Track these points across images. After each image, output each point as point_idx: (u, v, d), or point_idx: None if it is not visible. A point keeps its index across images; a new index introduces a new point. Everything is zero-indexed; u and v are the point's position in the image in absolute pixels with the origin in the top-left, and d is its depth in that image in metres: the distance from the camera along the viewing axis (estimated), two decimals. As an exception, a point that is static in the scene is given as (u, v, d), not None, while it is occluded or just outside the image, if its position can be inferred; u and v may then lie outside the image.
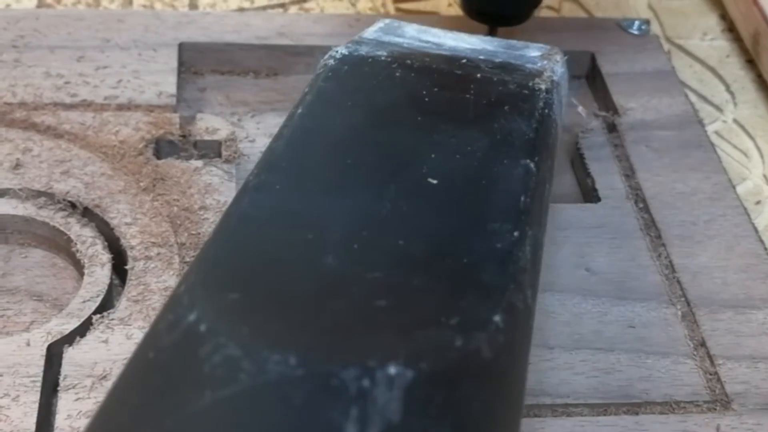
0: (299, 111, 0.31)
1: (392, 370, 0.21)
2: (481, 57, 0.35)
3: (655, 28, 0.52)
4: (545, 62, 0.36)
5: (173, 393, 0.21)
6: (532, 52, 0.37)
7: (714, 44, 0.53)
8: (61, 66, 0.43)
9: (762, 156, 0.46)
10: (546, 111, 0.33)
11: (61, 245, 0.37)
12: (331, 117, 0.31)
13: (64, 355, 0.32)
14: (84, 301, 0.34)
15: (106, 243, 0.36)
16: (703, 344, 0.36)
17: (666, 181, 0.42)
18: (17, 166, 0.38)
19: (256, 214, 0.27)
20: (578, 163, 0.43)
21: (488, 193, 0.28)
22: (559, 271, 0.38)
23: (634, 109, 0.45)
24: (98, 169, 0.39)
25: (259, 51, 0.46)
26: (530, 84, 0.34)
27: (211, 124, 0.42)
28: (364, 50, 0.34)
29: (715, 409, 0.34)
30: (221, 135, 0.41)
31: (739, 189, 0.43)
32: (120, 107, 0.42)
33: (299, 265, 0.25)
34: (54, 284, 0.36)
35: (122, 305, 0.34)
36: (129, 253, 0.36)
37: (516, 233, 0.27)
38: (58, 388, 0.31)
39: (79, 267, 0.36)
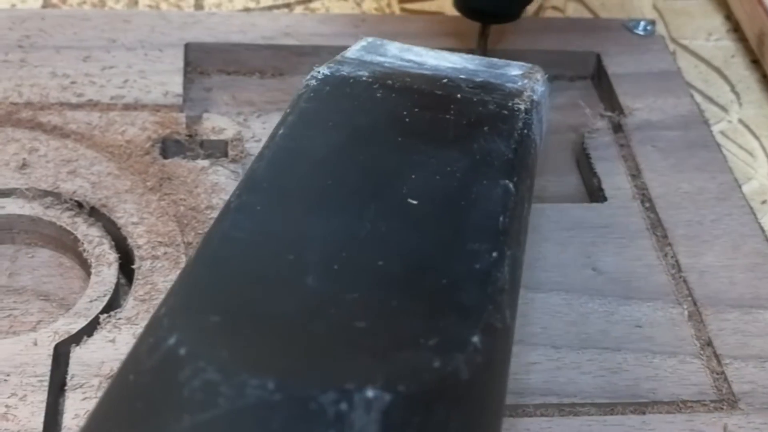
0: (281, 131, 0.31)
1: (370, 393, 0.21)
2: (462, 76, 0.36)
3: (660, 28, 0.52)
4: (525, 81, 0.36)
5: (153, 417, 0.22)
6: (513, 70, 0.37)
7: (719, 44, 0.53)
8: (67, 66, 0.43)
9: (767, 156, 0.46)
10: (525, 131, 0.33)
11: (67, 245, 0.37)
12: (313, 138, 0.31)
13: (71, 355, 0.32)
14: (91, 301, 0.34)
15: (112, 242, 0.36)
16: (709, 344, 0.35)
17: (672, 180, 0.42)
18: (24, 165, 0.38)
19: (238, 235, 0.27)
20: (584, 163, 0.43)
21: (467, 213, 0.29)
22: (566, 270, 0.38)
23: (640, 110, 0.45)
24: (105, 168, 0.39)
25: (264, 51, 0.46)
26: (510, 104, 0.34)
27: (218, 124, 0.42)
28: (345, 70, 0.35)
29: (722, 409, 0.34)
30: (227, 135, 0.41)
31: (745, 188, 0.43)
32: (126, 107, 0.42)
33: (280, 286, 0.25)
34: (61, 284, 0.36)
35: (129, 305, 0.34)
36: (136, 252, 0.36)
37: (495, 253, 0.27)
38: (66, 388, 0.31)
39: (86, 266, 0.36)
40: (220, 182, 0.39)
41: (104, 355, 0.32)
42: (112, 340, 0.33)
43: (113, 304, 0.34)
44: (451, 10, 0.52)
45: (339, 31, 0.47)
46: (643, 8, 0.55)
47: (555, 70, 0.48)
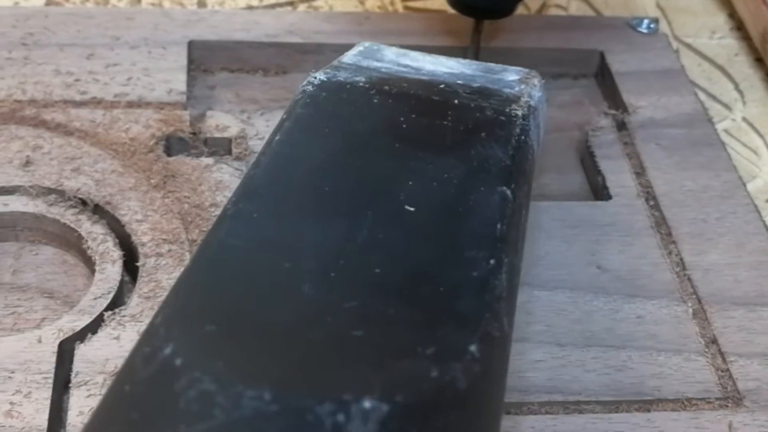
0: (277, 138, 0.31)
1: (367, 404, 0.21)
2: (459, 82, 0.35)
3: (663, 26, 0.52)
4: (523, 86, 0.36)
5: (149, 428, 0.22)
6: (510, 75, 0.37)
7: (723, 43, 0.53)
8: (70, 63, 0.43)
9: (772, 154, 0.46)
10: (522, 137, 0.33)
11: (71, 242, 0.37)
12: (309, 144, 0.31)
13: (75, 352, 0.32)
14: (95, 298, 0.34)
15: (117, 240, 0.36)
16: (714, 341, 0.35)
17: (676, 178, 0.42)
18: (27, 163, 0.38)
19: (234, 243, 0.27)
20: (589, 161, 0.43)
21: (465, 220, 0.29)
22: (571, 268, 0.38)
23: (644, 108, 0.45)
24: (109, 166, 0.39)
25: (268, 49, 0.46)
26: (507, 110, 0.34)
27: (221, 122, 0.42)
28: (342, 76, 0.34)
29: (727, 406, 0.34)
30: (231, 132, 0.41)
31: (750, 186, 0.43)
32: (130, 104, 0.42)
33: (276, 295, 0.25)
34: (65, 281, 0.36)
35: (133, 302, 0.34)
36: (140, 249, 0.36)
37: (492, 261, 0.27)
38: (70, 385, 0.31)
39: (90, 264, 0.36)
40: (224, 180, 0.39)
41: (108, 352, 0.32)
42: (117, 338, 0.33)
43: (117, 302, 0.34)
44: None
45: (342, 29, 0.47)
46: (647, 6, 0.55)
47: (558, 68, 0.48)
